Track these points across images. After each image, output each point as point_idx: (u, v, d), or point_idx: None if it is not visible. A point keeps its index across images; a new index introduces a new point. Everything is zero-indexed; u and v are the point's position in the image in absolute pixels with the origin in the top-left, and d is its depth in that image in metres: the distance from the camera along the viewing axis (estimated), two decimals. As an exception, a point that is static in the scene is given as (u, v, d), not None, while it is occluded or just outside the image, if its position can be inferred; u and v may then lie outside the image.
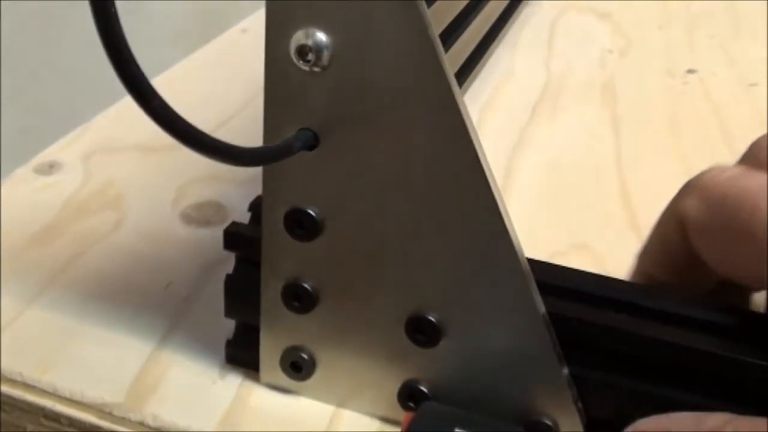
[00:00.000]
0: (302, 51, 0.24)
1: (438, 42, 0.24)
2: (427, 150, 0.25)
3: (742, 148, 0.49)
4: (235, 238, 0.30)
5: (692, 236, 0.28)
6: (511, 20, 0.61)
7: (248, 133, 0.48)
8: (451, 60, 0.43)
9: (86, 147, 0.46)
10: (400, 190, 0.26)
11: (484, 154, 0.25)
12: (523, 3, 0.65)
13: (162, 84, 0.54)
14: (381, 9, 0.24)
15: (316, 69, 0.25)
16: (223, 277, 0.31)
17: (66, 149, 0.45)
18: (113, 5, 0.18)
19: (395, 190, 0.26)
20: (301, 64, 0.25)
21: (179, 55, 0.78)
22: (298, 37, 0.24)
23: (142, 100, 0.19)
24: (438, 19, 0.40)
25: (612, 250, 0.39)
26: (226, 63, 0.58)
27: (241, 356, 0.31)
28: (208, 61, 0.58)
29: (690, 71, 0.59)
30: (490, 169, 0.25)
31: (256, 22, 0.63)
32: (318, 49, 0.24)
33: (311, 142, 0.26)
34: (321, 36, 0.24)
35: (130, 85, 0.19)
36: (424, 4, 0.24)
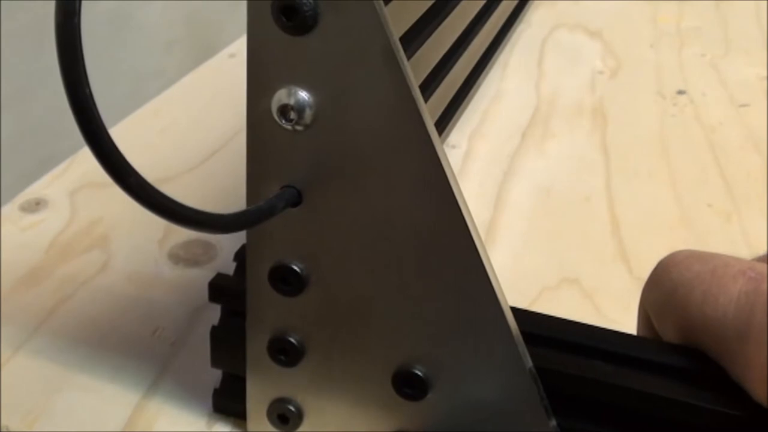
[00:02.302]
0: (284, 110, 0.24)
1: (420, 97, 0.24)
2: (410, 205, 0.25)
3: (733, 172, 0.50)
4: (220, 290, 0.29)
5: (656, 325, 0.28)
6: (503, 43, 0.61)
7: (240, 161, 0.48)
8: (446, 89, 0.43)
9: (73, 182, 0.45)
10: (383, 245, 0.26)
11: (467, 207, 0.25)
12: (515, 24, 0.65)
13: (152, 112, 0.54)
14: (362, 67, 0.24)
15: (299, 128, 0.24)
16: (211, 320, 0.30)
17: (52, 184, 0.45)
18: (88, 86, 0.18)
19: (379, 246, 0.26)
20: (283, 123, 0.24)
21: (172, 62, 0.77)
22: (280, 96, 0.24)
23: (118, 178, 0.19)
24: (433, 48, 0.40)
25: (602, 284, 0.39)
26: (215, 90, 0.58)
27: (229, 406, 0.31)
28: (197, 88, 0.58)
29: (680, 92, 0.59)
30: (473, 222, 0.25)
31: (243, 47, 0.63)
32: (300, 108, 0.24)
33: (295, 199, 0.25)
34: (303, 95, 0.24)
35: (106, 163, 0.19)
36: (405, 61, 0.24)
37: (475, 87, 0.52)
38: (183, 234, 0.41)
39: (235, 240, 0.30)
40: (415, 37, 0.36)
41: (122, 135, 0.52)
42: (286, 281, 0.27)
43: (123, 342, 0.34)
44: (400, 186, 0.25)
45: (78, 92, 0.18)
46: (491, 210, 0.45)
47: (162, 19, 0.83)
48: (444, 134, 0.44)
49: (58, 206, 0.43)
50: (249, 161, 0.26)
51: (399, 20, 0.35)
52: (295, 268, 0.27)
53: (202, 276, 0.38)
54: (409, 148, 0.24)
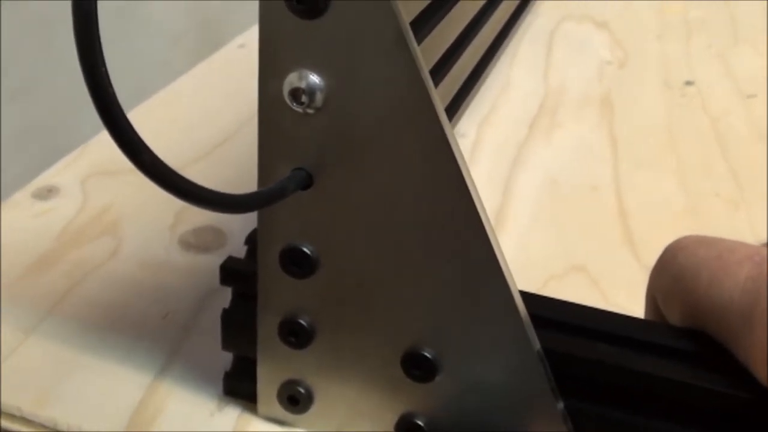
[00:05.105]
0: (296, 93, 0.24)
1: (430, 82, 0.24)
2: (419, 188, 0.25)
3: (740, 163, 0.50)
4: (231, 273, 0.30)
5: (663, 309, 0.28)
6: (511, 33, 0.61)
7: (248, 152, 0.48)
8: (454, 78, 0.44)
9: (84, 169, 0.46)
10: (393, 227, 0.26)
11: (476, 190, 0.25)
12: (523, 14, 0.65)
13: (161, 102, 0.54)
14: (373, 51, 0.24)
15: (310, 111, 0.25)
16: (221, 305, 0.31)
17: (64, 172, 0.46)
18: (103, 63, 0.18)
19: (388, 228, 0.26)
20: (294, 106, 0.25)
21: (178, 56, 0.77)
22: (291, 80, 0.24)
23: (132, 155, 0.19)
24: (441, 37, 0.40)
25: (608, 273, 0.40)
26: (224, 80, 0.58)
27: (239, 388, 0.31)
28: (206, 78, 0.58)
29: (688, 83, 0.59)
30: (482, 205, 0.25)
31: (253, 38, 0.63)
32: (311, 91, 0.24)
33: (305, 181, 0.26)
34: (314, 78, 0.24)
35: (119, 139, 0.19)
36: (416, 46, 0.24)
37: (483, 76, 0.52)
38: (193, 221, 0.41)
39: (245, 227, 0.30)
40: (423, 25, 0.37)
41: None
42: (296, 263, 0.27)
43: (134, 325, 0.35)
44: (410, 170, 0.25)
45: (94, 70, 0.19)
46: (499, 198, 0.45)
47: (170, 12, 0.83)
48: (453, 122, 0.44)
49: (70, 194, 0.44)
50: (260, 144, 0.26)
51: (408, 7, 0.35)
52: (306, 250, 0.27)
53: (213, 262, 0.38)
54: (419, 133, 0.25)
